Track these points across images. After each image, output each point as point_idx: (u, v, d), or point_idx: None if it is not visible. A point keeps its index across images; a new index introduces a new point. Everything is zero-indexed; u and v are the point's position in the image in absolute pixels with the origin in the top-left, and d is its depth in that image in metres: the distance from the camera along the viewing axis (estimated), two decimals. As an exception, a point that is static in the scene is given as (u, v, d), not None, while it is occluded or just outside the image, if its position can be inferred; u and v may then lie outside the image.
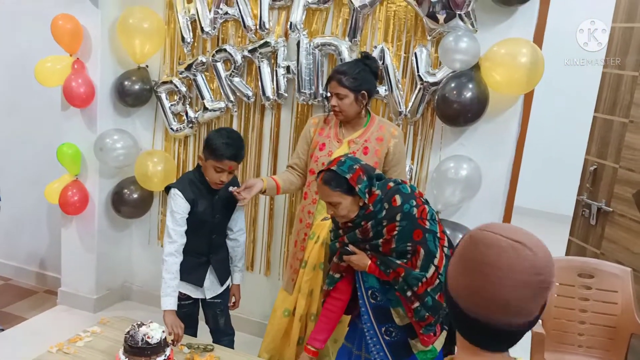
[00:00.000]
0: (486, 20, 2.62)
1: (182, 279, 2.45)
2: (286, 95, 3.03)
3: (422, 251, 1.95)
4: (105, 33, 3.23)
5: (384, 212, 1.99)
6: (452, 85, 2.60)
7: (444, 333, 2.12)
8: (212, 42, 3.18)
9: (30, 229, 3.89)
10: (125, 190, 3.37)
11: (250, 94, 3.11)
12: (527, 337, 2.43)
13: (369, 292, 2.10)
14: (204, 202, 2.42)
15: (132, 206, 3.40)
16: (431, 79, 2.72)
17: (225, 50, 3.09)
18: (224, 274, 2.59)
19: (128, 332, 2.04)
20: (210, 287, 2.56)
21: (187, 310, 2.62)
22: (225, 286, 2.62)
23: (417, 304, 1.97)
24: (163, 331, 2.06)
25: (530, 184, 4.20)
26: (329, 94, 2.49)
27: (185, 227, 2.39)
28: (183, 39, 3.18)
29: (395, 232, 1.97)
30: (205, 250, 2.48)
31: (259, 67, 3.03)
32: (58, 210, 3.43)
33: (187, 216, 2.39)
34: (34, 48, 3.44)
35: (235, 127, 3.23)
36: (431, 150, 2.85)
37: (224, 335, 2.66)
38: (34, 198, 3.72)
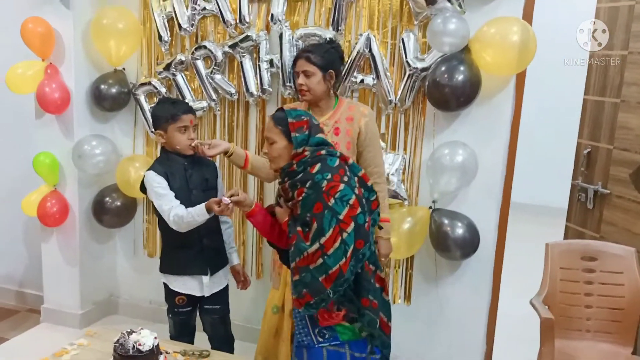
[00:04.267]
0: (473, 0, 2.55)
1: (184, 273, 2.41)
2: (270, 90, 2.93)
3: (315, 225, 1.91)
4: (78, 35, 3.10)
5: (300, 175, 1.99)
6: (443, 68, 2.53)
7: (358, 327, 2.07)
8: (190, 40, 3.07)
9: (7, 247, 3.72)
10: (107, 199, 3.23)
11: (233, 91, 3.01)
12: (536, 324, 2.37)
13: None
14: (177, 177, 2.38)
15: (114, 215, 3.25)
16: (420, 65, 2.65)
17: (204, 47, 2.98)
18: (219, 261, 2.52)
19: (118, 340, 1.92)
20: (209, 284, 2.46)
21: (184, 318, 2.54)
22: (224, 285, 2.54)
23: (296, 277, 1.95)
24: (155, 337, 1.94)
25: (523, 177, 4.14)
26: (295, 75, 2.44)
27: (172, 193, 2.33)
28: (160, 37, 3.07)
29: (301, 199, 1.97)
30: (194, 235, 2.36)
31: (241, 62, 2.93)
32: (36, 225, 3.30)
33: (170, 190, 2.34)
34: (3, 54, 3.29)
35: (219, 126, 3.12)
36: (424, 139, 2.77)
37: (223, 343, 2.56)
38: (9, 213, 3.56)
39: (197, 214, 2.23)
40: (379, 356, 2.13)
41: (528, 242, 3.51)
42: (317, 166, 1.98)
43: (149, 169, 2.38)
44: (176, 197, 2.33)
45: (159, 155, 2.48)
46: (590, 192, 3.03)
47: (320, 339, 2.07)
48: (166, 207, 2.28)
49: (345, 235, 1.90)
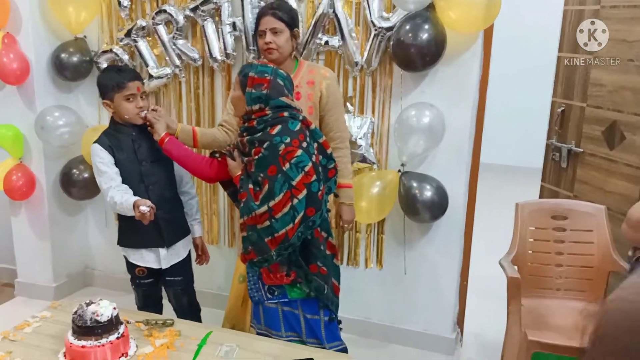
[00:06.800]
0: (438, -45, 2.47)
1: (140, 246, 2.35)
2: (235, 54, 2.84)
3: (266, 187, 1.90)
4: (35, 3, 3.00)
5: (260, 134, 1.96)
6: (407, 27, 2.46)
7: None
8: (151, 4, 2.97)
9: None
10: (74, 171, 3.17)
11: (196, 56, 2.92)
12: (503, 283, 2.35)
13: None
14: (125, 149, 2.29)
15: (83, 187, 3.19)
16: (385, 24, 2.57)
17: (165, 11, 2.88)
18: (175, 232, 2.43)
19: (76, 312, 1.89)
20: (166, 256, 2.40)
21: (147, 290, 2.49)
22: (183, 257, 2.47)
23: (243, 234, 1.98)
24: (114, 308, 1.91)
25: (495, 137, 4.07)
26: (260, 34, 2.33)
27: (115, 169, 2.25)
28: (120, 3, 2.97)
29: (256, 157, 1.95)
30: None
31: (203, 26, 2.84)
32: (5, 199, 3.23)
33: (114, 166, 2.25)
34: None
35: (184, 93, 3.05)
36: (391, 101, 2.71)
37: (188, 313, 2.52)
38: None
39: (127, 208, 2.13)
40: (333, 317, 2.16)
41: (504, 202, 3.48)
42: (277, 128, 1.94)
43: (94, 142, 2.30)
44: (125, 170, 2.26)
45: (109, 123, 2.39)
46: (564, 151, 2.99)
47: (270, 296, 2.11)
48: (105, 186, 2.22)
49: (295, 201, 1.88)
